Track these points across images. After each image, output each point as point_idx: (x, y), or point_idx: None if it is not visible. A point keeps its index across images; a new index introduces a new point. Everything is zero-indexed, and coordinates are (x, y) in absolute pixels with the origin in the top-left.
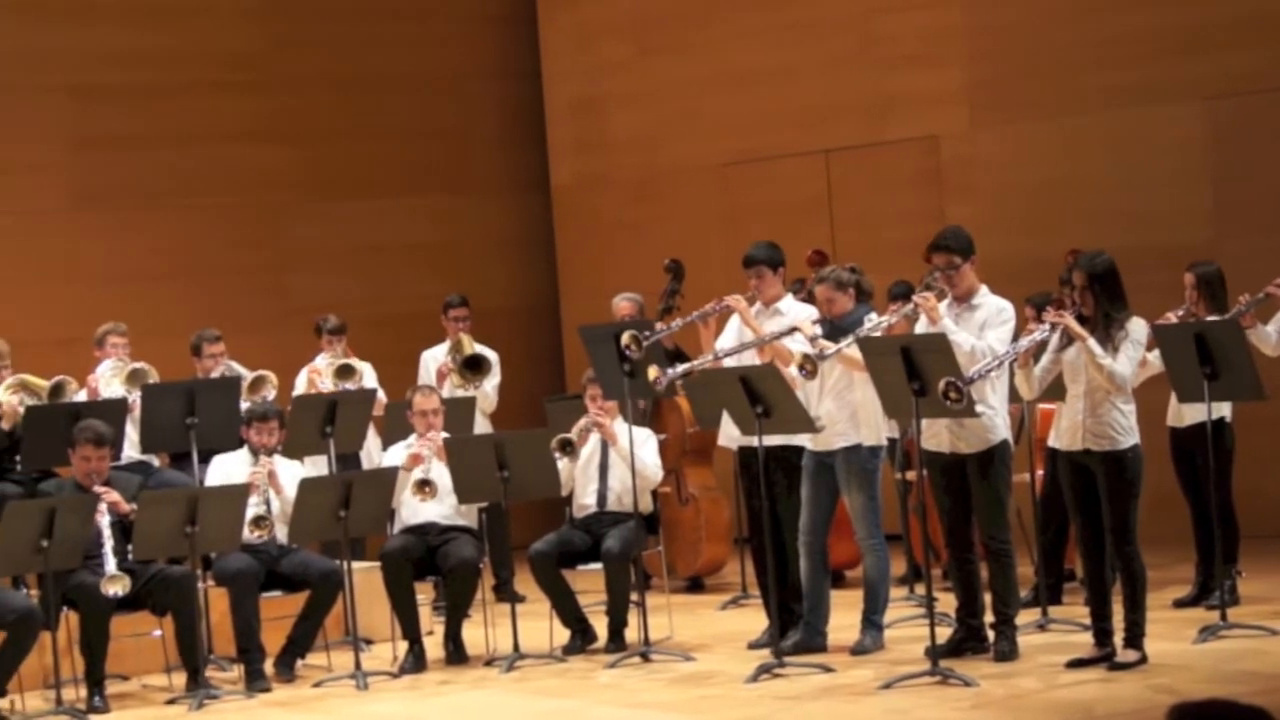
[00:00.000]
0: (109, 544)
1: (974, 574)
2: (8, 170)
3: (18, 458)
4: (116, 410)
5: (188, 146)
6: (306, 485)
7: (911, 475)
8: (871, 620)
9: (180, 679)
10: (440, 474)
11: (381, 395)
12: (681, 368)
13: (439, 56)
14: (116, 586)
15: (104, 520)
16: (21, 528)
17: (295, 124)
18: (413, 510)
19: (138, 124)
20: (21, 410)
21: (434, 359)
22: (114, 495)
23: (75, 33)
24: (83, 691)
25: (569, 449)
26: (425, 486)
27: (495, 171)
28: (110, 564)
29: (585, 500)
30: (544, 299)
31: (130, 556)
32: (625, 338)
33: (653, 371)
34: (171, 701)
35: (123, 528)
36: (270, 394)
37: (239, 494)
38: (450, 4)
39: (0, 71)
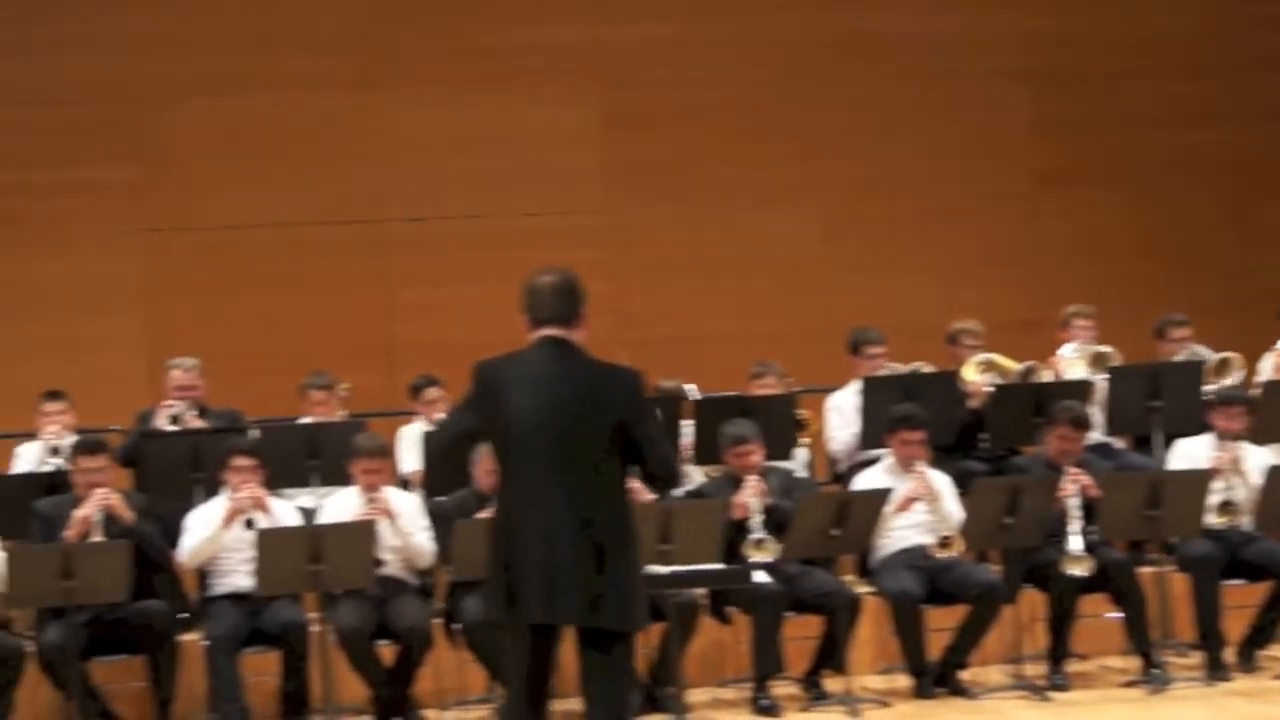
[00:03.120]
0: (1075, 523)
1: None
2: (969, 154)
3: (983, 435)
4: (1080, 392)
5: (1139, 130)
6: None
7: None
8: None
9: (1136, 662)
10: None
11: None
12: None
13: None
14: (1079, 567)
15: (1072, 501)
16: (988, 503)
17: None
18: None
19: (1091, 107)
20: (989, 390)
21: None
22: (1085, 477)
23: (1023, 20)
24: (1042, 668)
25: None
26: None
27: None
28: (1075, 543)
29: None
30: None
31: (1098, 537)
32: None
33: None
34: (1129, 684)
35: (1088, 508)
36: (1236, 377)
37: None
38: None
39: (954, 57)
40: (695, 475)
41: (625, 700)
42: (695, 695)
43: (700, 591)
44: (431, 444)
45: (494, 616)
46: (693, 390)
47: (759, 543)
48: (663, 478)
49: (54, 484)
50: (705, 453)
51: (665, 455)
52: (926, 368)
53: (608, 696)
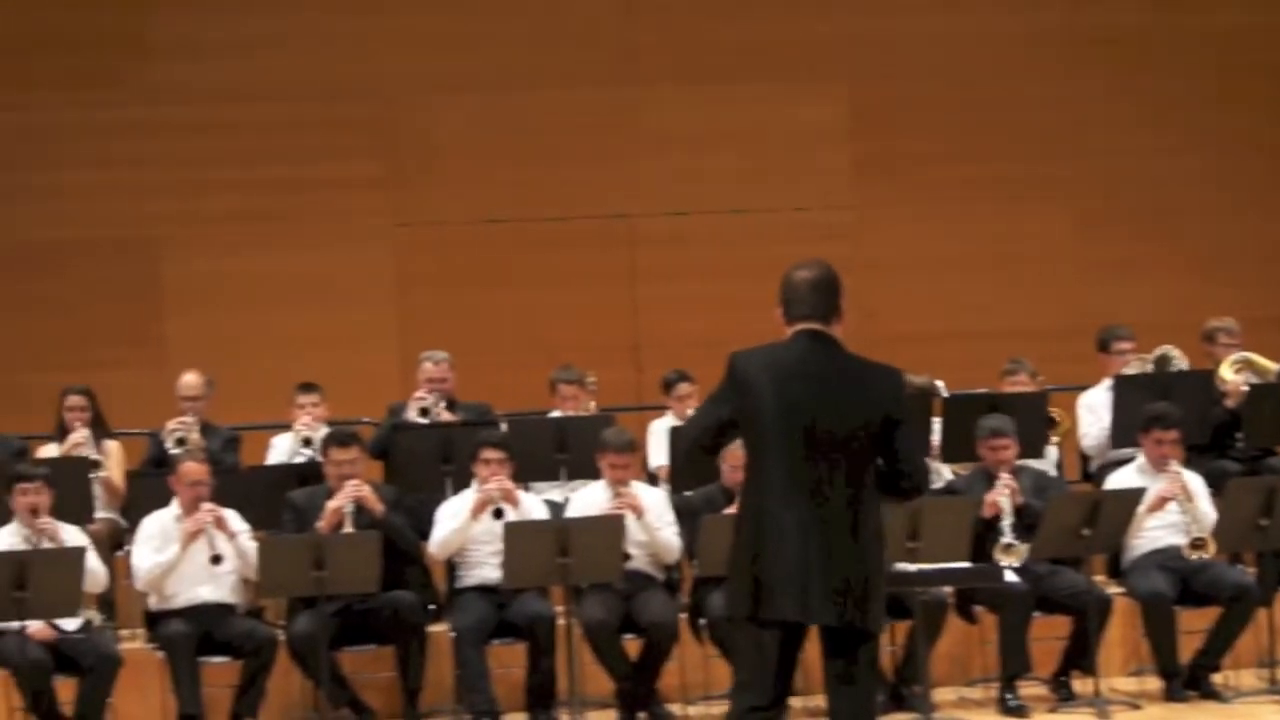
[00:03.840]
0: None
1: None
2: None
3: (1239, 435)
4: None
5: None
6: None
7: None
8: None
9: None
10: None
11: None
12: None
13: None
14: None
15: None
16: (1242, 504)
17: None
18: None
19: None
20: (1246, 389)
21: None
22: None
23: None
24: None
25: None
26: None
27: None
28: None
29: None
30: None
31: None
32: None
33: None
34: None
35: None
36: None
37: None
38: None
39: (1215, 51)
40: (944, 472)
41: (871, 701)
42: (941, 694)
43: (947, 590)
44: (680, 436)
45: (736, 612)
46: (942, 387)
47: (1008, 547)
48: (912, 482)
49: (306, 475)
50: (954, 450)
51: (919, 460)
52: (1175, 353)
53: (854, 697)
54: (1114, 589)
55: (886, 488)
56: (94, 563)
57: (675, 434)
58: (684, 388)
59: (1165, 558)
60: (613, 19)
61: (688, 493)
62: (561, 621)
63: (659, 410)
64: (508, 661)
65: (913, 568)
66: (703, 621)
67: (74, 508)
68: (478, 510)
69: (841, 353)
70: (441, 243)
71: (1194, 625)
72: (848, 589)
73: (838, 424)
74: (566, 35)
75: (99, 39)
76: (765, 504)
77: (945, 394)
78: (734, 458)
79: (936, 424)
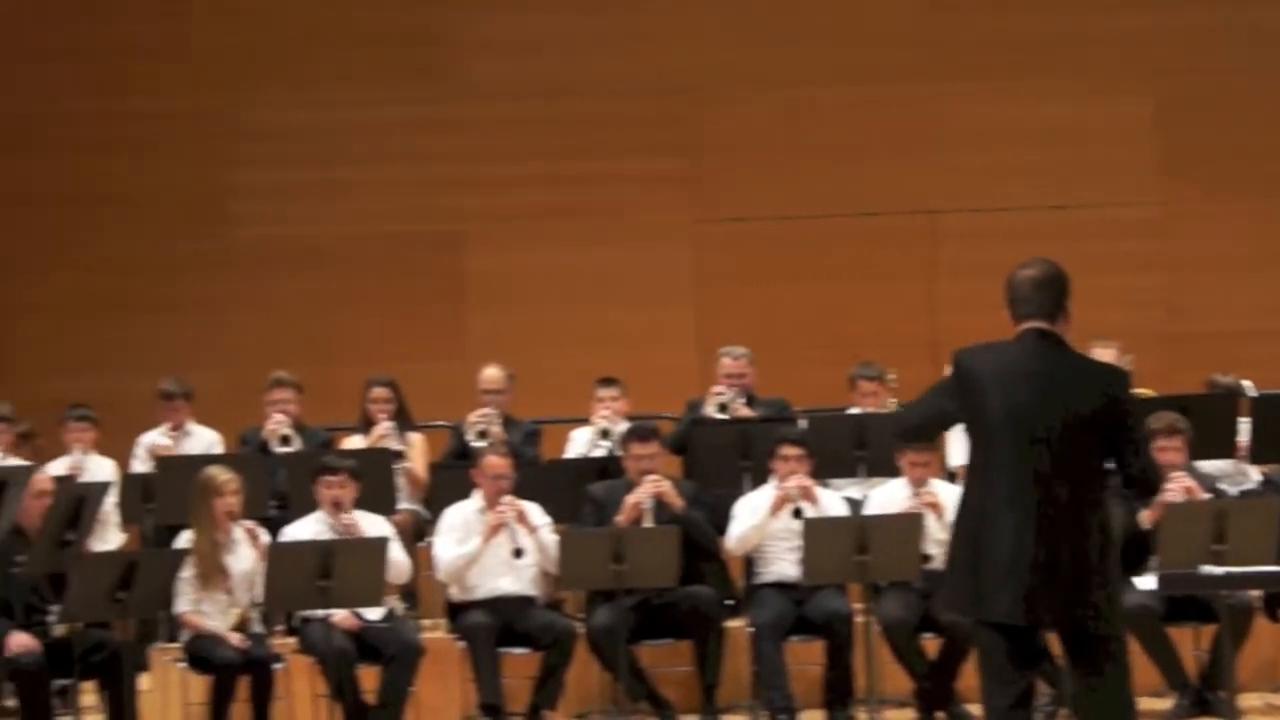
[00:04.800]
0: None
1: None
2: None
3: None
4: None
5: None
6: None
7: None
8: None
9: None
10: None
11: None
12: None
13: None
14: None
15: None
16: None
17: None
18: None
19: None
20: None
21: None
22: None
23: None
24: None
25: None
26: None
27: None
28: None
29: None
30: None
31: None
32: None
33: None
34: None
35: None
36: None
37: None
38: None
39: None
40: (1251, 474)
41: (1118, 704)
42: (1247, 700)
43: (1254, 593)
44: (898, 422)
45: (956, 612)
46: (1250, 387)
47: None
48: (1143, 482)
49: (605, 469)
50: (1264, 450)
51: (1149, 459)
52: None
53: (1100, 703)
54: None
55: (1127, 485)
56: (398, 554)
57: (893, 419)
58: None
59: None
60: (917, 14)
61: None
62: (860, 619)
63: None
64: (805, 659)
65: (1218, 571)
66: None
67: (378, 499)
68: (776, 508)
69: (1067, 352)
70: (741, 239)
71: None
72: (1072, 590)
73: (1062, 423)
74: (870, 30)
75: (414, 36)
76: (987, 503)
77: (1253, 393)
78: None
79: (1244, 424)
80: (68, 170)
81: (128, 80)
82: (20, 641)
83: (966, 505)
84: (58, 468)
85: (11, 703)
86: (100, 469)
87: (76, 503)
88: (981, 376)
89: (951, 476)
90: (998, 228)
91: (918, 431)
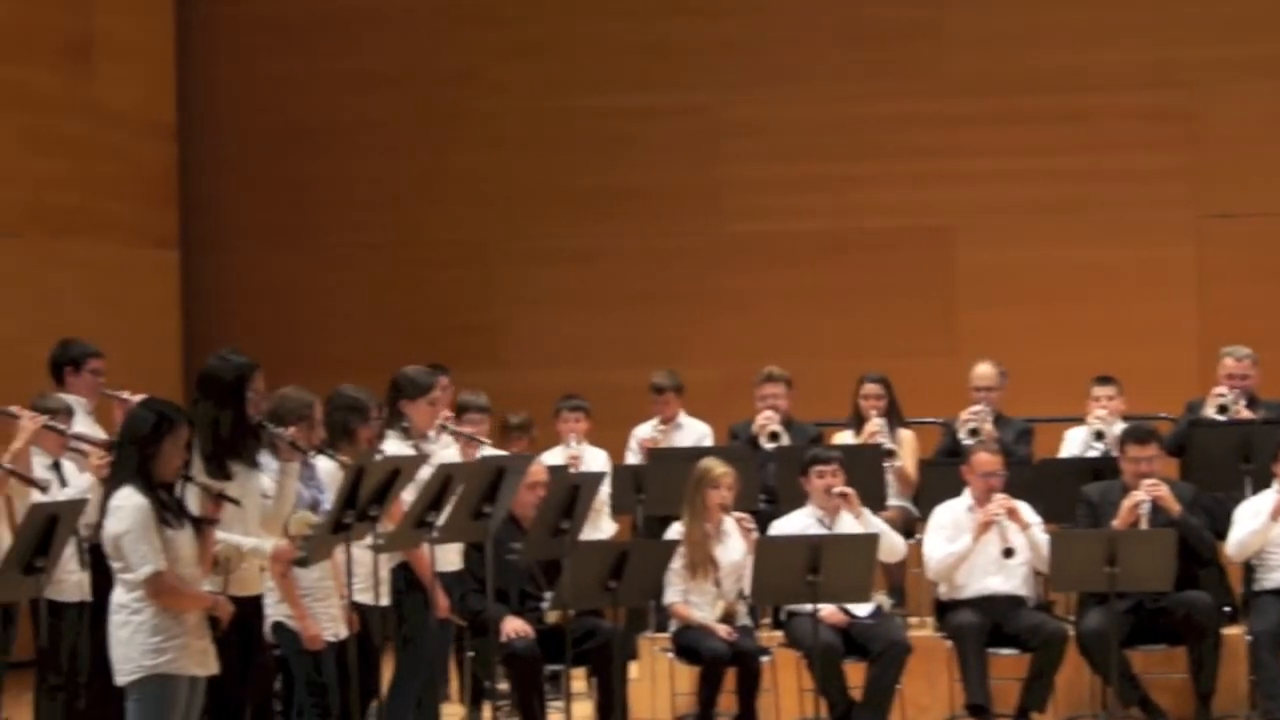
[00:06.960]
0: None
1: None
2: None
3: None
4: None
5: None
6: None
7: None
8: None
9: None
10: None
11: None
12: None
13: None
14: None
15: None
16: None
17: None
18: None
19: None
20: None
21: None
22: None
23: None
24: None
25: None
26: None
27: None
28: None
29: None
30: None
31: None
32: None
33: None
34: None
35: None
36: None
37: None
38: None
39: None
40: None
41: None
42: None
43: None
44: None
45: None
46: None
47: None
48: None
49: (1100, 469)
50: None
51: None
52: None
53: None
54: None
55: None
56: (894, 539)
57: None
58: None
59: None
60: None
61: None
62: None
63: None
64: None
65: None
66: None
67: (868, 495)
68: (1278, 513)
69: None
70: (1247, 235)
71: None
72: None
73: None
74: None
75: (901, 31)
76: None
77: None
78: None
79: None
80: (561, 165)
81: (620, 77)
82: (515, 627)
83: None
84: (553, 457)
85: (504, 686)
86: (594, 459)
87: (571, 492)
88: None
89: None
90: None
91: None
